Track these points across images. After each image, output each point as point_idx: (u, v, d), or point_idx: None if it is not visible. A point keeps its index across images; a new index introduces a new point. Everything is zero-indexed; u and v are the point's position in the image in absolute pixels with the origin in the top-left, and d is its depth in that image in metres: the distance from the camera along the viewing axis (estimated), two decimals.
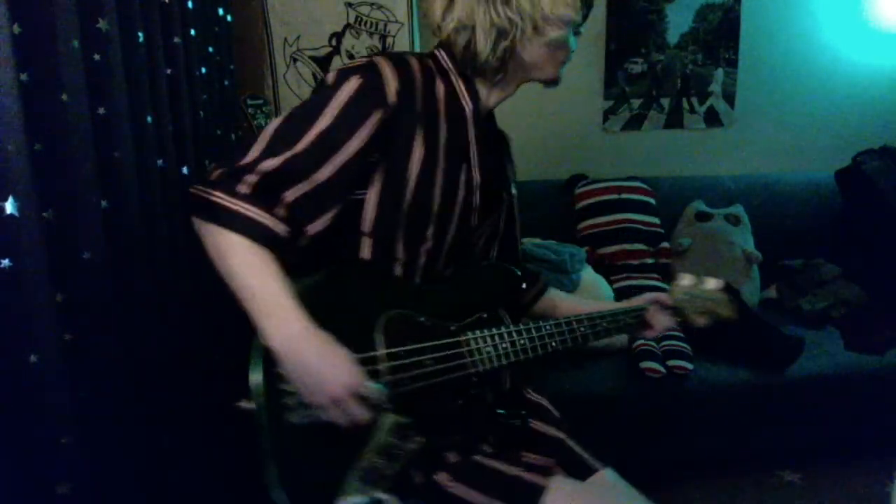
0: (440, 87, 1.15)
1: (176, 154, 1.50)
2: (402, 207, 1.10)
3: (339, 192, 1.06)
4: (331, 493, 0.97)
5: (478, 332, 1.17)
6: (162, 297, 1.35)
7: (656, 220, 2.67)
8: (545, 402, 1.35)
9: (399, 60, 1.09)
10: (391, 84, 1.04)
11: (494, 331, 1.18)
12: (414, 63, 1.11)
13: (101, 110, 1.16)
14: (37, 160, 0.94)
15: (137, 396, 1.24)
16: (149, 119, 1.33)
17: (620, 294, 2.44)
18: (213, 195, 0.99)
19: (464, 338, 1.16)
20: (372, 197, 1.09)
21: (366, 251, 1.13)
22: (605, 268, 2.50)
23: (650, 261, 2.59)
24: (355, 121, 1.03)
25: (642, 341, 2.22)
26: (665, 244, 2.64)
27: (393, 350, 1.07)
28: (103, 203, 1.15)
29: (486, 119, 1.23)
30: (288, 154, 1.01)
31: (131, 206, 1.24)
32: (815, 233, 2.81)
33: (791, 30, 2.95)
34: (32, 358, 0.93)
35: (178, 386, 1.40)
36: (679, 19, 2.88)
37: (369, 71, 1.04)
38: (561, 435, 1.26)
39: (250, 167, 1.01)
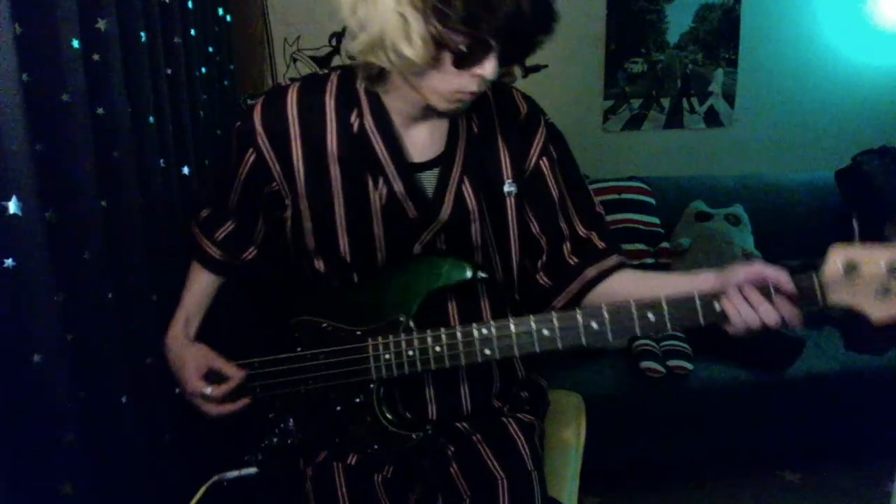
0: (330, 108, 1.14)
1: (176, 154, 1.50)
2: (304, 225, 1.19)
3: (251, 218, 1.25)
4: (216, 467, 1.19)
5: (380, 337, 1.15)
6: (162, 297, 1.35)
7: (656, 220, 2.67)
8: (520, 437, 1.21)
9: (273, 97, 1.17)
10: (257, 125, 1.15)
11: (403, 336, 1.13)
12: (291, 96, 1.15)
13: (102, 110, 1.16)
14: (38, 160, 0.94)
15: (139, 396, 1.24)
16: (149, 119, 1.33)
17: None
18: (191, 223, 1.33)
19: (364, 343, 1.15)
20: (288, 218, 1.20)
21: (312, 263, 1.23)
22: None
23: (650, 261, 2.59)
24: (238, 159, 1.19)
25: (643, 341, 2.21)
26: (665, 244, 2.64)
27: (269, 358, 1.21)
28: (103, 203, 1.15)
29: (433, 117, 1.14)
30: (213, 190, 1.30)
31: (131, 206, 1.24)
32: (815, 233, 2.81)
33: (791, 30, 2.95)
34: (36, 357, 0.93)
35: (179, 386, 1.40)
36: (679, 19, 2.88)
37: (246, 115, 1.18)
38: (501, 475, 1.15)
39: (205, 201, 1.32)
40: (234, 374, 1.21)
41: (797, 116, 3.05)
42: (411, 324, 1.15)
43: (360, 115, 1.13)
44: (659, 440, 2.25)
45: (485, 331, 1.10)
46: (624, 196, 2.65)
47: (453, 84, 1.02)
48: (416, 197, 1.15)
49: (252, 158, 1.17)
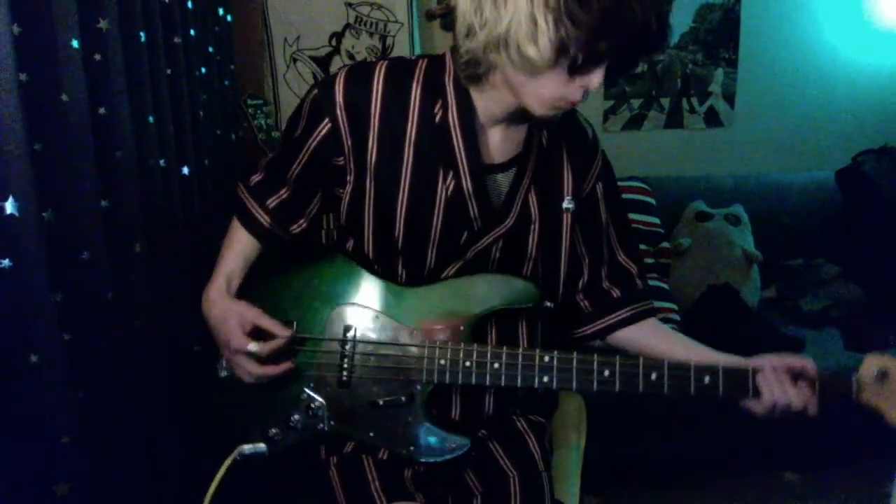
0: (415, 95, 1.13)
1: (176, 154, 1.50)
2: (365, 207, 1.17)
3: (309, 190, 1.21)
4: (237, 438, 1.16)
5: (438, 342, 1.14)
6: (162, 297, 1.35)
7: (656, 220, 2.67)
8: (531, 437, 1.24)
9: (358, 72, 1.15)
10: (338, 95, 1.13)
11: (462, 345, 1.13)
12: (378, 74, 1.14)
13: (102, 110, 1.16)
14: (37, 160, 0.94)
15: (137, 396, 1.24)
16: (149, 119, 1.33)
17: None
18: (237, 186, 1.26)
19: (417, 344, 1.15)
20: (346, 195, 1.18)
21: (363, 244, 1.21)
22: None
23: (650, 261, 2.59)
24: (310, 127, 1.16)
25: None
26: (665, 244, 2.64)
27: (316, 337, 1.18)
28: (103, 203, 1.15)
29: (515, 122, 1.15)
30: (272, 156, 1.25)
31: (131, 206, 1.24)
32: (815, 233, 2.81)
33: (791, 30, 2.95)
34: (33, 358, 0.93)
35: (178, 386, 1.40)
36: (679, 19, 2.88)
37: (324, 84, 1.16)
38: (513, 473, 1.17)
39: (259, 167, 1.26)
40: (281, 332, 1.14)
41: (797, 116, 3.04)
42: (469, 334, 1.15)
43: (445, 108, 1.13)
44: (659, 440, 2.25)
45: (547, 358, 1.12)
46: (624, 196, 2.64)
47: (558, 92, 1.03)
48: (482, 198, 1.15)
49: (326, 129, 1.14)
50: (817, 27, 2.95)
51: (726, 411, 2.21)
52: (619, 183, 2.86)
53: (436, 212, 1.15)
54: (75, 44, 1.04)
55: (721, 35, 2.92)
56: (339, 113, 1.13)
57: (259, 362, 1.14)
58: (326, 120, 1.14)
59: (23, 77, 0.92)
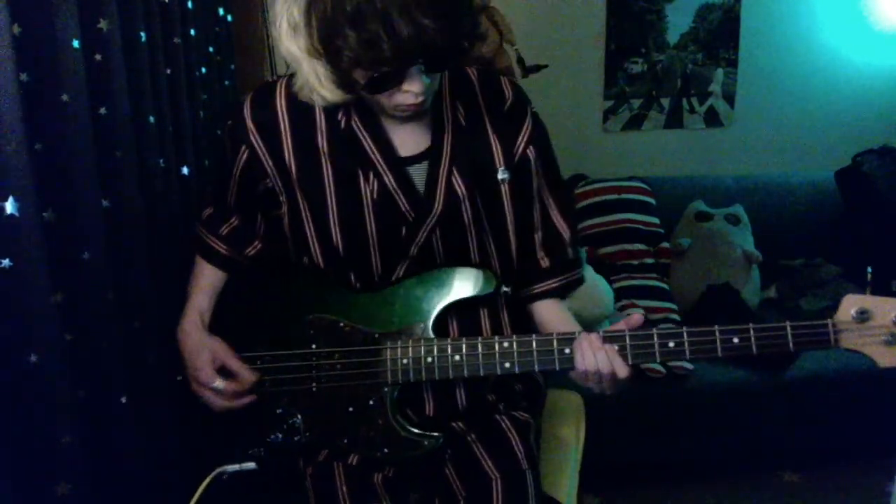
0: (318, 106, 1.15)
1: (176, 154, 1.50)
2: (303, 223, 1.21)
3: (252, 214, 1.28)
4: (217, 458, 1.19)
5: (399, 342, 1.15)
6: (162, 297, 1.35)
7: (656, 220, 2.67)
8: (514, 436, 1.21)
9: (261, 94, 1.19)
10: (248, 121, 1.18)
11: (423, 343, 1.14)
12: (279, 93, 1.18)
13: (102, 110, 1.16)
14: (37, 160, 0.94)
15: (137, 396, 1.24)
16: (149, 119, 1.33)
17: (620, 293, 2.44)
18: (195, 224, 1.34)
19: (382, 347, 1.16)
20: (284, 215, 1.23)
21: (312, 259, 1.23)
22: (606, 268, 2.51)
23: (650, 261, 2.59)
24: (232, 156, 1.22)
25: None
26: (665, 244, 2.64)
27: (282, 353, 1.21)
28: (104, 203, 1.15)
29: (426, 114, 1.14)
30: (213, 189, 1.33)
31: (132, 206, 1.24)
32: (815, 233, 2.81)
33: (791, 30, 2.95)
34: (33, 358, 0.93)
35: (178, 386, 1.39)
36: (679, 19, 2.88)
37: (236, 112, 1.20)
38: (495, 475, 1.15)
39: (207, 202, 1.33)
40: (246, 377, 1.20)
41: (797, 116, 3.05)
42: (430, 331, 1.16)
43: (348, 113, 1.15)
44: (659, 440, 2.25)
45: (506, 344, 1.12)
46: (624, 196, 2.65)
47: (387, 103, 1.06)
48: (407, 190, 1.16)
49: (245, 155, 1.20)
50: (817, 27, 2.95)
51: (726, 410, 2.22)
52: (619, 183, 2.87)
53: (367, 214, 1.16)
54: (75, 44, 1.04)
55: (721, 35, 2.92)
56: (252, 138, 1.18)
57: (223, 398, 1.20)
58: (243, 147, 1.19)
59: (23, 77, 0.92)
